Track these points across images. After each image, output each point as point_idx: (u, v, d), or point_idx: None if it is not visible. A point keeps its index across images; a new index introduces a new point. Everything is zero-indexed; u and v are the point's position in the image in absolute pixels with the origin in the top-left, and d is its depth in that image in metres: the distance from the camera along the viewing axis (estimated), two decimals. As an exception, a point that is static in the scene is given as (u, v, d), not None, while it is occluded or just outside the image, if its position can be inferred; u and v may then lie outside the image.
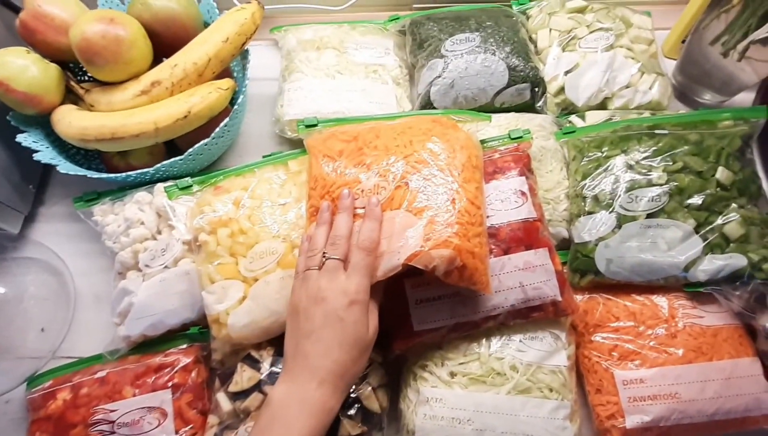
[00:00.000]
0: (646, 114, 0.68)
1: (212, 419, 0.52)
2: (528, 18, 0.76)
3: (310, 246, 0.48)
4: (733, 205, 0.54)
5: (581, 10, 0.74)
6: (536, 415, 0.49)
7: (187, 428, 0.52)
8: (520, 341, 0.52)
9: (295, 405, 0.41)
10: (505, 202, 0.54)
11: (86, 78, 0.68)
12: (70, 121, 0.59)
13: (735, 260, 0.52)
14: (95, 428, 0.51)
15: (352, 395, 0.51)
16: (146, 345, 0.56)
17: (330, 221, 0.49)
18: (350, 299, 0.43)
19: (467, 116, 0.59)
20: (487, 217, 0.53)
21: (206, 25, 0.67)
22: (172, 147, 0.67)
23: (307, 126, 0.61)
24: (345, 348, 0.43)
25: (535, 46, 0.73)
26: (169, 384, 0.53)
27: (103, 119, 0.59)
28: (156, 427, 0.52)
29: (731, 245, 0.53)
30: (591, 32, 0.70)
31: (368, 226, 0.47)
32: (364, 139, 0.55)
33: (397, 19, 0.77)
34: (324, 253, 0.46)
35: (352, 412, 0.51)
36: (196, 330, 0.56)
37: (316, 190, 0.54)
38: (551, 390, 0.50)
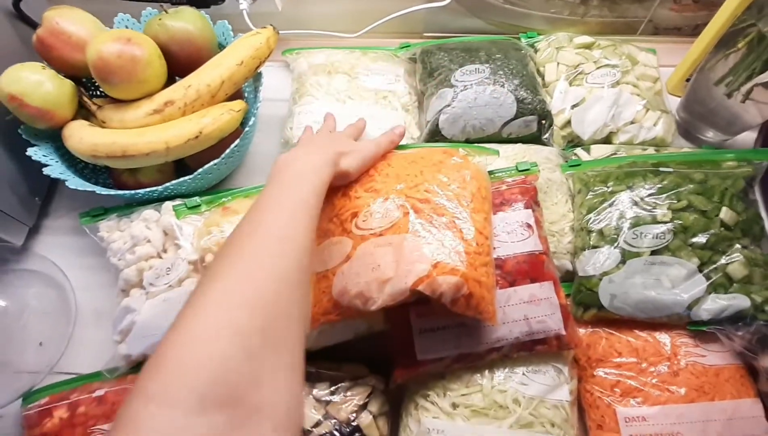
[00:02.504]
0: (651, 150, 0.69)
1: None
2: (536, 51, 0.77)
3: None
4: (737, 245, 0.54)
5: (588, 46, 0.75)
6: (538, 451, 0.49)
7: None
8: (523, 374, 0.52)
9: (307, 165, 0.48)
10: (512, 235, 0.54)
11: (99, 93, 0.69)
12: (81, 137, 0.60)
13: (738, 301, 0.52)
14: (91, 449, 0.51)
15: (353, 423, 0.51)
16: (146, 364, 0.56)
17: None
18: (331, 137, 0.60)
19: (476, 150, 0.60)
20: (494, 248, 0.54)
21: (221, 47, 0.68)
22: (181, 164, 0.67)
23: (317, 151, 0.61)
24: (328, 147, 0.53)
25: (543, 79, 0.74)
26: (169, 406, 0.52)
27: (114, 136, 0.59)
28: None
29: (734, 285, 0.53)
30: (598, 68, 0.72)
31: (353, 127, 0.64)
32: (376, 165, 0.56)
33: (408, 46, 0.78)
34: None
35: (352, 441, 0.50)
36: (197, 351, 0.56)
37: (324, 213, 0.54)
38: (553, 425, 0.50)
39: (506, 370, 0.52)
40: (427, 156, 0.55)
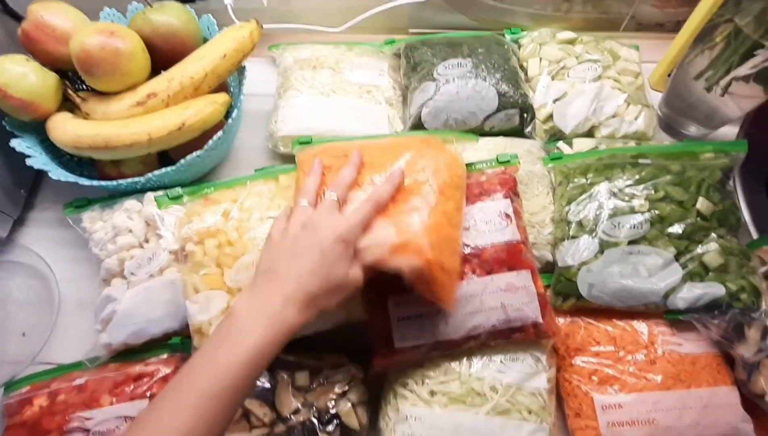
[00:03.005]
0: (632, 143, 0.69)
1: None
2: (519, 47, 0.78)
3: (304, 188, 0.49)
4: (713, 235, 0.55)
5: (571, 42, 0.76)
6: (514, 437, 0.49)
7: (163, 440, 0.52)
8: (501, 361, 0.52)
9: (255, 315, 0.41)
10: (490, 224, 0.55)
11: (83, 87, 0.70)
12: (64, 128, 0.60)
13: (713, 289, 0.53)
14: (69, 437, 0.51)
15: (332, 411, 0.51)
16: (127, 354, 0.56)
17: (320, 174, 0.50)
18: (338, 234, 0.44)
19: (454, 135, 0.61)
20: (472, 238, 0.54)
21: (205, 41, 0.69)
22: (165, 157, 0.67)
23: (302, 143, 0.62)
24: (318, 279, 0.42)
25: (526, 74, 0.75)
26: (148, 394, 0.53)
27: (97, 128, 0.59)
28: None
29: (710, 273, 0.54)
30: (580, 63, 0.72)
31: (386, 186, 0.48)
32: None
33: (393, 42, 0.79)
34: (324, 190, 0.48)
35: (330, 428, 0.50)
36: (177, 340, 0.56)
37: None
38: (530, 412, 0.50)
39: (484, 358, 0.52)
40: (404, 145, 0.56)
